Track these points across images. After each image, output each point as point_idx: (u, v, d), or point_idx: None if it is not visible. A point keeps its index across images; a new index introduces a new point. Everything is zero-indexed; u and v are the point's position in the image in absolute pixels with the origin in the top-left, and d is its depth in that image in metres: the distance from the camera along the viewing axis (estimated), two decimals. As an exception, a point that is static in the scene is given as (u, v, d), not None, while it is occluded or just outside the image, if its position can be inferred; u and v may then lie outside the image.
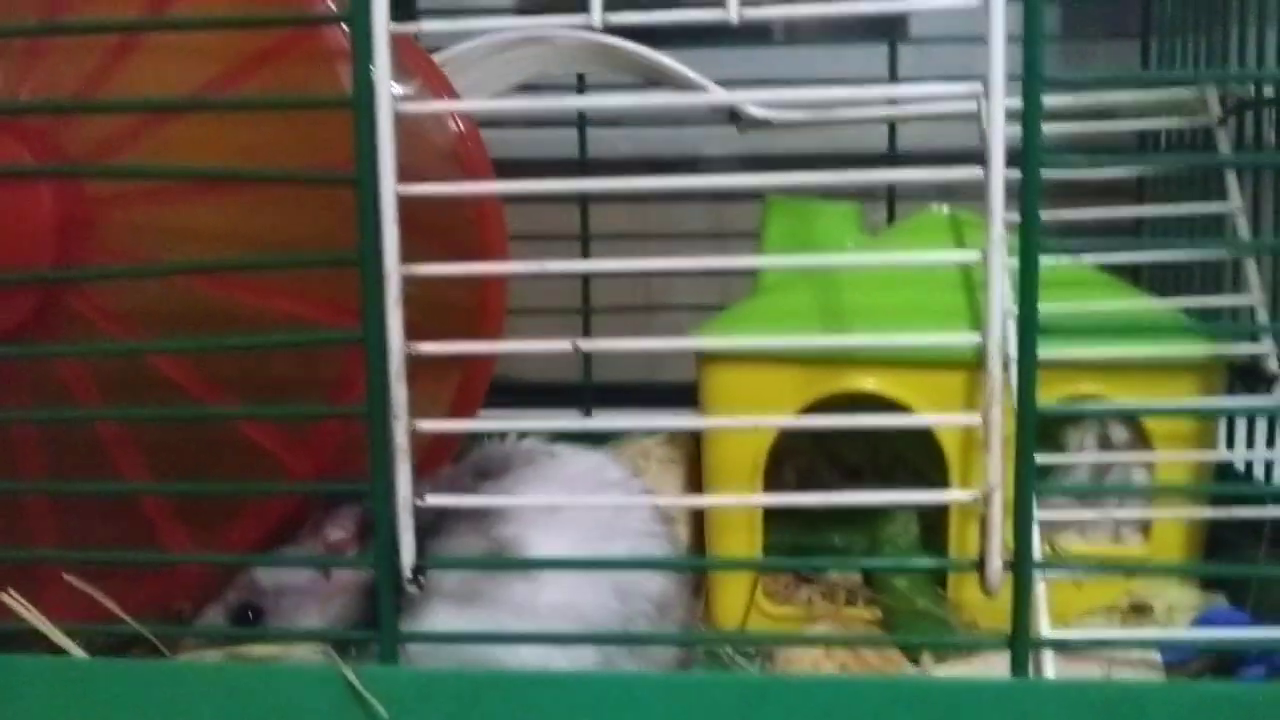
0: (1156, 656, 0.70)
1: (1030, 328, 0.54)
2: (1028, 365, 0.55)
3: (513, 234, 0.83)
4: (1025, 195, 0.53)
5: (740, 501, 0.61)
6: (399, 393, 0.55)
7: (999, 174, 0.52)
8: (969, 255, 0.55)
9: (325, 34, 0.66)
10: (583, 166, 1.24)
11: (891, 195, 1.20)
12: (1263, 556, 0.77)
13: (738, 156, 1.37)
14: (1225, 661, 0.71)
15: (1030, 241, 0.54)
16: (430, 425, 0.57)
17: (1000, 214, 0.52)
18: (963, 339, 0.57)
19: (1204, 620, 0.75)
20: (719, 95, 0.71)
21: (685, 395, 0.89)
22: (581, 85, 1.19)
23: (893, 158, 1.20)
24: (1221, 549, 0.85)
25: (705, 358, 0.88)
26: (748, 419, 0.61)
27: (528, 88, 1.04)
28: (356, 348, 0.56)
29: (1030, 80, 0.52)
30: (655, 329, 1.22)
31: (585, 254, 1.22)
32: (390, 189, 0.55)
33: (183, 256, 0.67)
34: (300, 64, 0.67)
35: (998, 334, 0.53)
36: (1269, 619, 0.73)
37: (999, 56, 0.51)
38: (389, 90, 0.54)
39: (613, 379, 1.22)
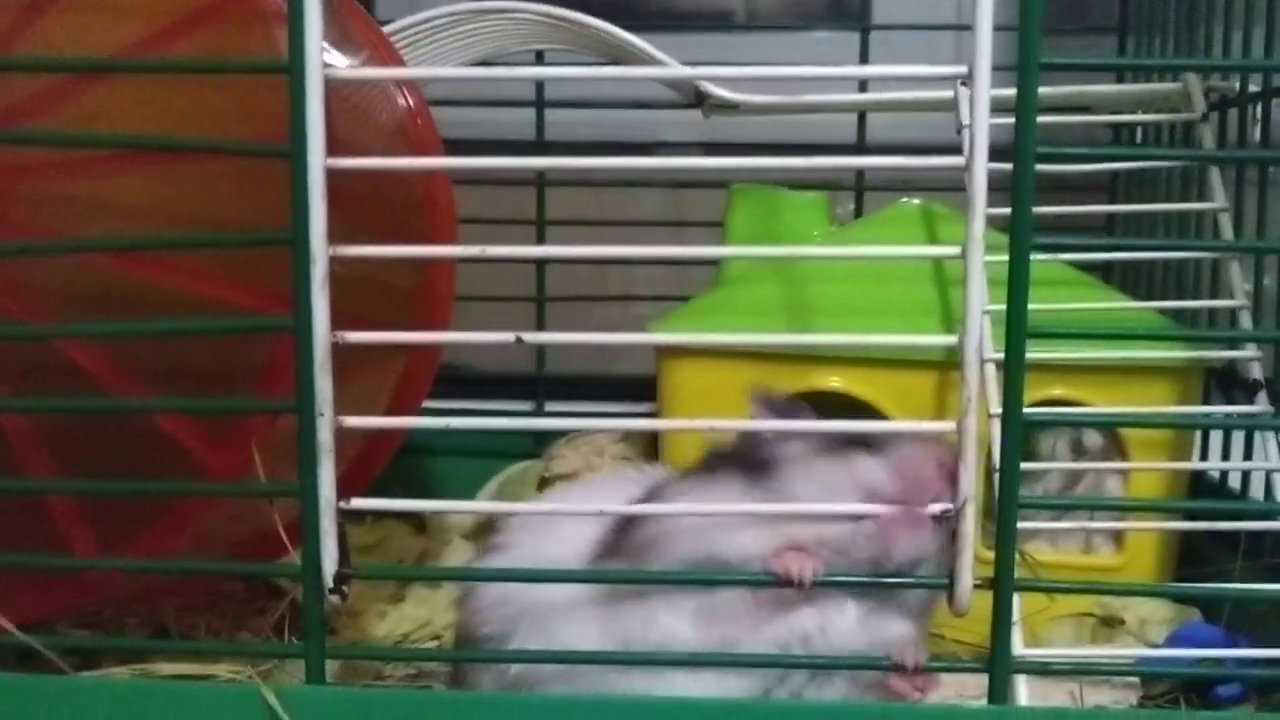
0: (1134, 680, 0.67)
1: (1019, 333, 0.50)
2: (1015, 373, 0.50)
3: (466, 217, 0.79)
4: (1018, 189, 0.49)
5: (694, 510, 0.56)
6: (324, 386, 0.50)
7: (982, 166, 0.48)
8: (947, 250, 0.51)
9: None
10: (539, 148, 1.20)
11: (860, 186, 1.17)
12: (1238, 569, 0.74)
13: (700, 143, 1.33)
14: (1200, 678, 0.67)
15: (1022, 241, 0.49)
16: (357, 422, 0.52)
17: (982, 209, 0.48)
18: (939, 340, 0.53)
19: (1179, 637, 0.72)
20: (683, 70, 0.67)
21: (642, 388, 0.85)
22: (540, 60, 1.15)
23: (861, 149, 1.16)
24: (1196, 558, 0.82)
25: (664, 352, 0.84)
26: (704, 421, 0.56)
27: (484, 63, 1.00)
28: (286, 337, 0.51)
29: (1026, 66, 0.48)
30: (612, 319, 1.18)
31: (541, 239, 1.18)
32: (318, 163, 0.49)
33: (99, 233, 0.61)
34: (236, 27, 0.62)
35: (976, 337, 0.49)
36: (1243, 634, 0.70)
37: (985, 36, 0.47)
38: (319, 55, 0.49)
39: (567, 370, 1.18)
